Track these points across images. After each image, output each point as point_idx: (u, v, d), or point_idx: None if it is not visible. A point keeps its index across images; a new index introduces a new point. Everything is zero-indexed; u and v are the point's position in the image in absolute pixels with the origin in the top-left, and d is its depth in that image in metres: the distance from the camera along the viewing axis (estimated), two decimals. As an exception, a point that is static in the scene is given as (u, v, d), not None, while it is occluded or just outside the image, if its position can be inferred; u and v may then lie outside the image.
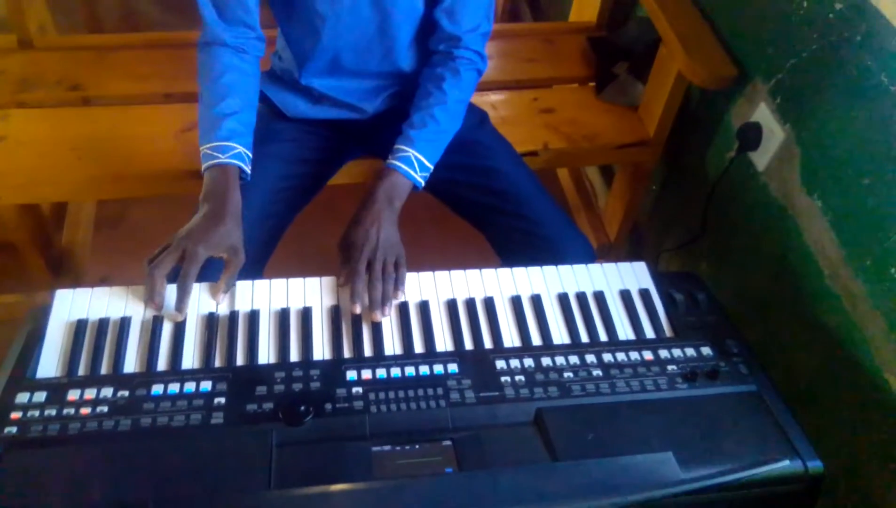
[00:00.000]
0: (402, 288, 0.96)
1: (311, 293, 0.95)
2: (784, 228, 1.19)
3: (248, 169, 1.01)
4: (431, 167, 1.09)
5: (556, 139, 1.42)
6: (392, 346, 0.90)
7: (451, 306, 0.95)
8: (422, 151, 1.07)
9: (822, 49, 1.09)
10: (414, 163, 1.06)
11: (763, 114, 1.22)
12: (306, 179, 1.18)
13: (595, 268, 1.02)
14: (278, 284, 0.96)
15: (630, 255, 1.74)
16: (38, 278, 1.46)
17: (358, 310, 0.92)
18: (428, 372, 0.86)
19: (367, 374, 0.85)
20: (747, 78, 1.27)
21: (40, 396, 0.80)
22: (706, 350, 0.92)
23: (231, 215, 0.95)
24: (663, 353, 0.91)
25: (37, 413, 0.78)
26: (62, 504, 0.70)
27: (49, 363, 0.85)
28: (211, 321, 0.90)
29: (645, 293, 1.00)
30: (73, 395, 0.80)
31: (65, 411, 0.78)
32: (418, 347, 0.90)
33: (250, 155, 1.02)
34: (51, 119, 1.35)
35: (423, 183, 1.08)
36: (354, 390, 0.83)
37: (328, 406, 0.81)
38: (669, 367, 0.89)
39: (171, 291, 0.91)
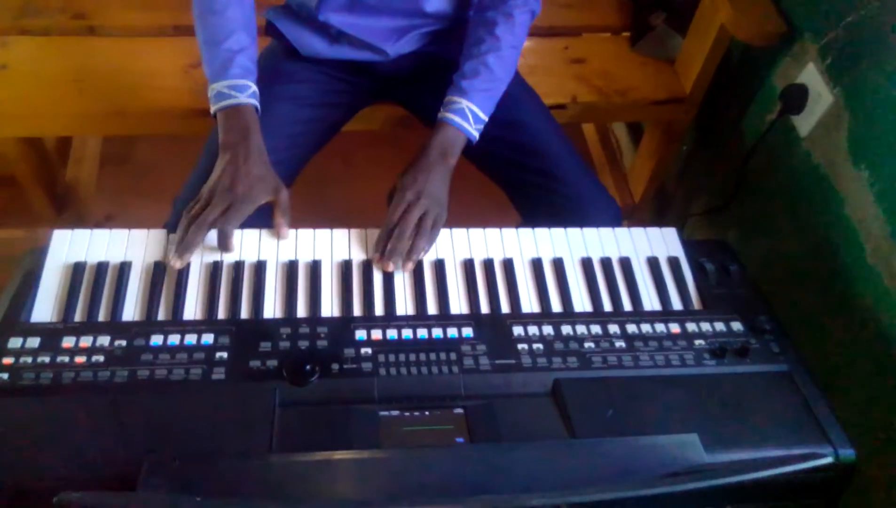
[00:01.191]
0: (427, 248, 0.91)
1: (321, 246, 0.90)
2: (825, 198, 1.12)
3: (259, 109, 0.97)
4: (486, 119, 1.02)
5: (585, 92, 1.34)
6: (404, 306, 0.86)
7: (468, 266, 0.90)
8: (476, 102, 1.00)
9: (884, 6, 1.00)
10: (468, 115, 1.00)
11: (810, 75, 1.14)
12: (320, 123, 1.11)
13: (622, 232, 0.97)
14: (289, 233, 0.91)
15: (655, 218, 1.67)
16: (42, 213, 1.42)
17: (379, 262, 0.88)
18: (441, 335, 0.82)
19: (377, 334, 0.81)
20: (796, 35, 1.18)
21: (34, 342, 0.76)
22: (736, 326, 0.87)
23: (261, 157, 0.93)
24: (691, 326, 0.86)
25: (29, 360, 0.74)
26: (53, 457, 0.67)
27: (44, 307, 0.81)
28: (215, 270, 0.86)
29: (674, 261, 0.94)
30: (68, 342, 0.76)
31: (59, 358, 0.75)
32: (432, 308, 0.86)
33: (258, 94, 0.97)
34: (53, 48, 1.29)
35: (477, 136, 1.02)
36: (363, 350, 0.79)
37: (335, 367, 0.77)
38: (697, 342, 0.84)
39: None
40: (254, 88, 0.96)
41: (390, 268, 0.88)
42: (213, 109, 0.95)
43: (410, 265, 0.89)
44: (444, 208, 0.96)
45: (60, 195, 1.46)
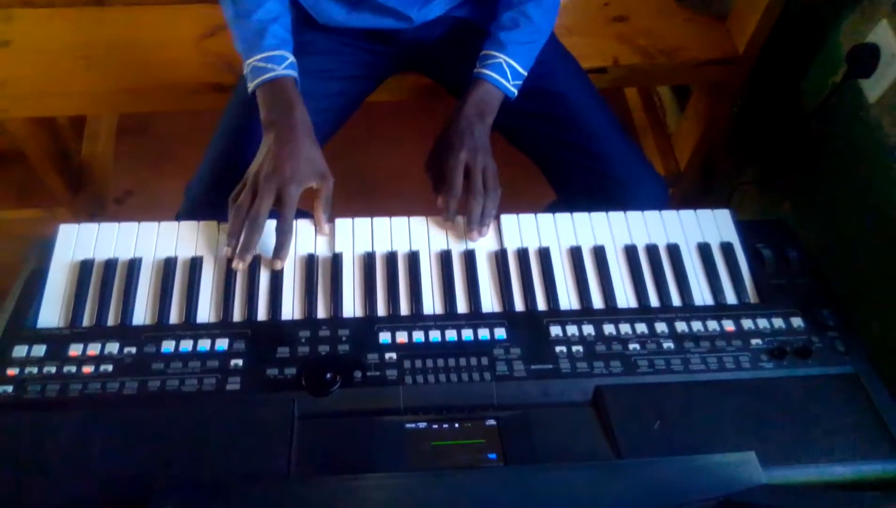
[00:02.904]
0: (496, 209, 0.87)
1: (342, 237, 0.84)
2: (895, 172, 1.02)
3: (299, 81, 0.90)
4: (525, 74, 0.95)
5: (628, 53, 1.24)
6: (432, 303, 0.79)
7: (501, 257, 0.83)
8: (514, 55, 0.93)
9: (975, -48, 0.87)
10: (506, 70, 0.93)
11: (883, 33, 1.02)
12: (342, 97, 1.04)
13: (669, 215, 0.89)
14: (304, 225, 0.85)
15: (701, 186, 1.57)
16: (59, 191, 1.37)
17: (459, 230, 0.85)
18: (472, 337, 0.76)
19: (402, 337, 0.75)
20: (866, -13, 1.06)
21: (39, 350, 0.72)
22: (797, 322, 0.79)
23: (307, 134, 0.85)
24: (747, 323, 0.79)
25: (35, 370, 0.70)
26: (58, 477, 0.63)
27: (51, 311, 0.77)
28: (230, 267, 0.80)
29: (727, 248, 0.86)
30: (74, 350, 0.72)
31: (65, 368, 0.71)
32: (462, 306, 0.80)
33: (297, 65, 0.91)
34: (60, 21, 1.22)
35: (515, 92, 0.95)
36: (387, 355, 0.73)
37: (357, 374, 0.71)
38: (753, 341, 0.77)
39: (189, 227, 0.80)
40: (291, 58, 0.89)
41: (477, 238, 0.84)
42: (250, 87, 0.88)
43: (486, 230, 0.84)
44: (494, 162, 0.90)
45: (75, 173, 1.42)
